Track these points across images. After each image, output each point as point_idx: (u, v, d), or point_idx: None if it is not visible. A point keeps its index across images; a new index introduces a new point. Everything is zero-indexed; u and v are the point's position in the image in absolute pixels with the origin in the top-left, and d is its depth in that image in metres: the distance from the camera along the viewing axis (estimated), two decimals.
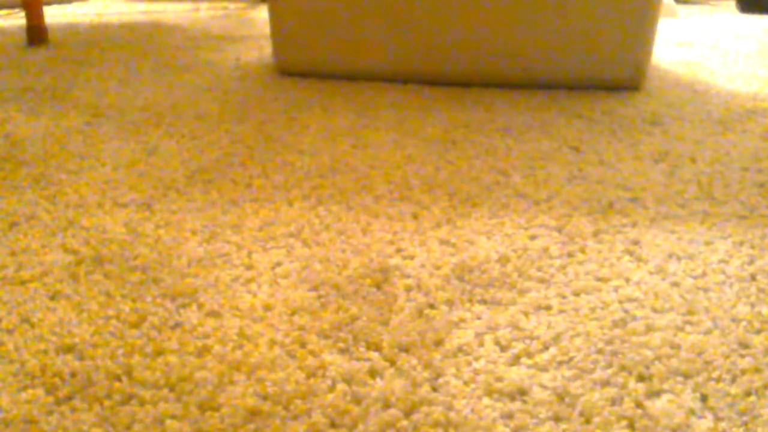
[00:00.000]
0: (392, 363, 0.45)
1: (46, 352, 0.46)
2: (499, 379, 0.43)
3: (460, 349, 0.46)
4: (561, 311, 0.51)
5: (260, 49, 1.49)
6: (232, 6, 2.29)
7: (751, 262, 0.57)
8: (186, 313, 0.51)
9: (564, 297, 0.52)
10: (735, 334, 0.48)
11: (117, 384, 0.43)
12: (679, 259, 0.58)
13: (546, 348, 0.46)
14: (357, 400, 0.42)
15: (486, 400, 0.42)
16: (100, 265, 0.58)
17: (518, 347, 0.46)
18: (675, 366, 0.44)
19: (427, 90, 1.13)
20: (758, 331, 0.48)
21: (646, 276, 0.55)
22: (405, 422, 0.40)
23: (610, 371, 0.44)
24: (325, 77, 1.21)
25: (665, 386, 0.43)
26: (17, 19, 1.96)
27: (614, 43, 1.07)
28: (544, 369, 0.44)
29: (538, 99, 1.07)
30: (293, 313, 0.50)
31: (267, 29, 1.76)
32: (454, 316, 0.50)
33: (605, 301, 0.52)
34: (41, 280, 0.55)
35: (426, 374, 0.44)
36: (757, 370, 0.44)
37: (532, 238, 0.62)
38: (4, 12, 2.14)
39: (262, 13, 2.09)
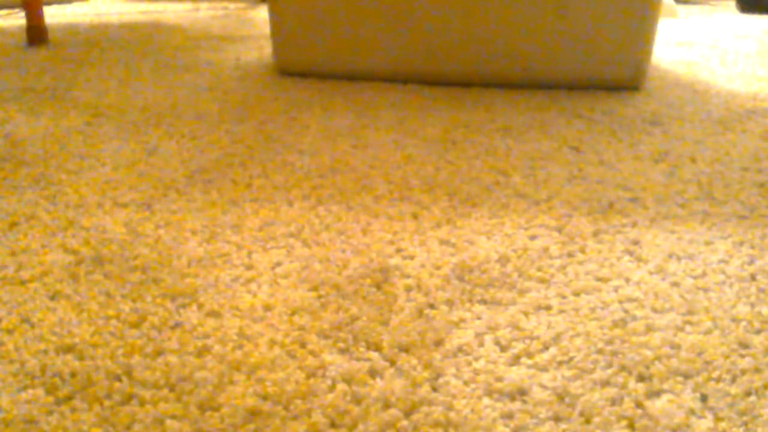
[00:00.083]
0: (392, 363, 0.45)
1: (46, 352, 0.46)
2: (499, 379, 0.43)
3: (460, 349, 0.46)
4: (561, 311, 0.51)
5: (260, 49, 1.49)
6: (232, 6, 2.29)
7: (751, 262, 0.57)
8: (186, 313, 0.51)
9: (564, 297, 0.52)
10: (735, 334, 0.48)
11: (117, 384, 0.43)
12: (679, 259, 0.58)
13: (546, 348, 0.46)
14: (357, 400, 0.42)
15: (486, 400, 0.42)
16: (100, 265, 0.58)
17: (518, 347, 0.46)
18: (675, 366, 0.44)
19: (427, 90, 1.13)
20: (758, 331, 0.48)
21: (646, 276, 0.55)
22: (405, 422, 0.40)
23: (610, 371, 0.44)
24: (325, 77, 1.21)
25: (665, 386, 0.43)
26: (17, 19, 1.96)
27: (614, 43, 1.07)
28: (544, 369, 0.44)
29: (538, 99, 1.07)
30: (293, 313, 0.50)
31: (267, 29, 1.76)
32: (454, 316, 0.50)
33: (605, 301, 0.52)
34: (41, 280, 0.55)
35: (426, 374, 0.44)
36: (757, 370, 0.44)
37: (532, 238, 0.62)
38: (4, 12, 2.14)
39: (262, 13, 2.09)
